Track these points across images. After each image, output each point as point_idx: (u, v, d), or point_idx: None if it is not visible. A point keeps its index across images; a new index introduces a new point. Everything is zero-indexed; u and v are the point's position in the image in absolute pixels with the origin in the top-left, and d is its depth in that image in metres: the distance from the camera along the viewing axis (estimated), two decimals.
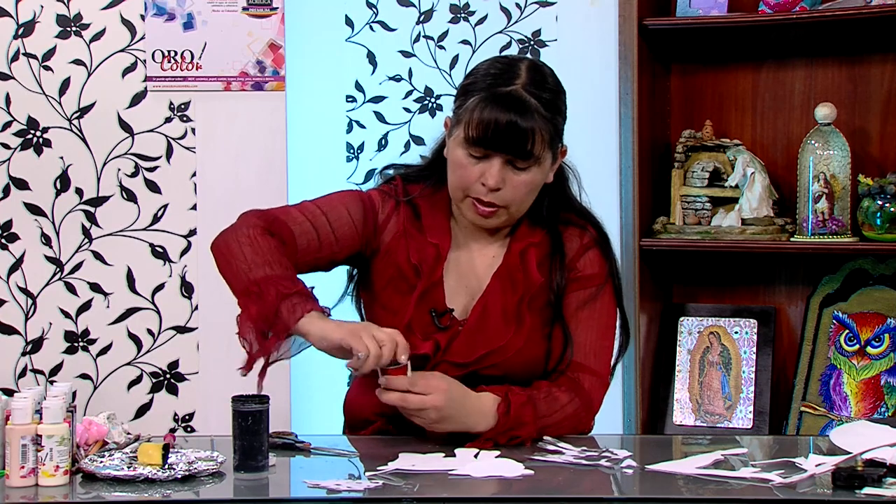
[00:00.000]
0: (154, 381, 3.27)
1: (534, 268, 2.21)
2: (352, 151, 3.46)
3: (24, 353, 3.25)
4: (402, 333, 2.05)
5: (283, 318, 2.01)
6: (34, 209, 3.24)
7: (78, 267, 3.25)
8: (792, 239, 3.15)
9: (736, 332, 3.27)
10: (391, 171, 2.34)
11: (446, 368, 2.17)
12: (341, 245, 2.22)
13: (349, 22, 3.45)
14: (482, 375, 2.18)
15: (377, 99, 3.46)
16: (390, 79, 3.45)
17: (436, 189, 2.28)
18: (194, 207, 3.26)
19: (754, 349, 3.24)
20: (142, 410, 3.27)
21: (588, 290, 2.24)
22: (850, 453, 1.95)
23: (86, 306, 3.26)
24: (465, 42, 3.43)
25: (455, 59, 3.44)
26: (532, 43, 3.41)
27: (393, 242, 2.24)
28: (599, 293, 2.24)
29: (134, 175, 3.25)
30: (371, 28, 3.45)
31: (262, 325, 2.01)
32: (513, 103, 2.12)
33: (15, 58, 3.22)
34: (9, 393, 2.06)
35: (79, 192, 3.25)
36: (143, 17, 3.23)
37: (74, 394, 3.17)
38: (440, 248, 2.22)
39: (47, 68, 3.22)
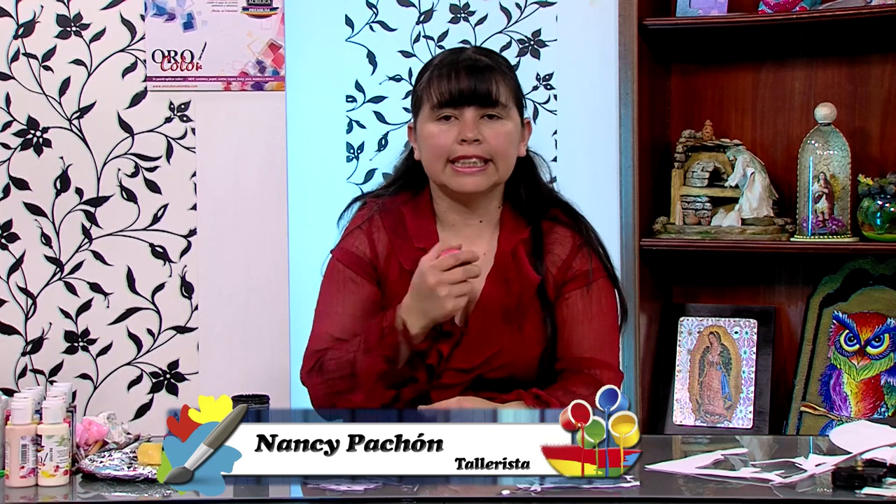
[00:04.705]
0: (154, 381, 3.27)
1: (527, 266, 2.21)
2: (352, 151, 3.46)
3: (24, 353, 3.25)
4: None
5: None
6: (34, 209, 3.24)
7: (78, 267, 3.25)
8: (792, 239, 3.15)
9: (736, 332, 3.27)
10: (359, 202, 2.35)
11: (452, 375, 2.17)
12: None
13: (349, 22, 3.45)
14: (487, 378, 2.18)
15: (377, 99, 3.46)
16: (390, 79, 3.45)
17: (414, 194, 2.29)
18: (194, 207, 3.26)
19: (754, 349, 3.24)
20: (142, 410, 3.27)
21: (587, 286, 2.24)
22: (850, 453, 1.95)
23: (86, 306, 3.25)
24: (465, 42, 3.42)
25: None
26: (532, 43, 3.41)
27: (385, 264, 2.24)
28: (597, 287, 2.25)
29: (134, 175, 3.25)
30: (371, 28, 3.45)
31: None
32: (468, 64, 2.20)
33: (15, 58, 3.21)
34: (9, 393, 2.06)
35: (79, 192, 3.24)
36: (143, 17, 3.22)
37: (74, 394, 3.17)
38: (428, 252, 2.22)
39: (47, 68, 3.22)
